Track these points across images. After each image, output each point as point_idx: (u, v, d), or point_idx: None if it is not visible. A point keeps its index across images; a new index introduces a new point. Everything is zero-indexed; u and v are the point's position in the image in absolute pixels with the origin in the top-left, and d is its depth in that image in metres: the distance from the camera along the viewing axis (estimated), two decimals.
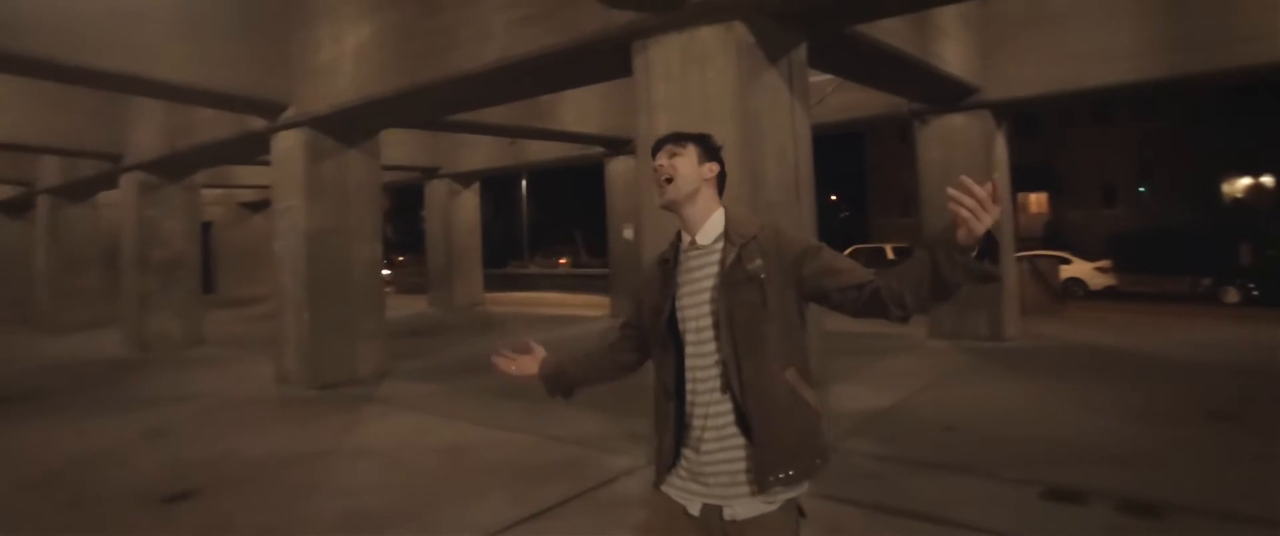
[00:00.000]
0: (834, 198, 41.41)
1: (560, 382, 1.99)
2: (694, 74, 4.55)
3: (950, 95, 8.56)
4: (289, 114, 7.36)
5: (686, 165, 1.73)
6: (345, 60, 6.79)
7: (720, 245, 1.69)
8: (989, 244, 1.44)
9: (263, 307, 17.24)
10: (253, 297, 19.85)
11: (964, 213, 1.40)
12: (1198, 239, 22.44)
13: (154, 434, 5.93)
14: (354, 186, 7.79)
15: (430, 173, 15.27)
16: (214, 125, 8.38)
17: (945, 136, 9.09)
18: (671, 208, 1.76)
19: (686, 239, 1.76)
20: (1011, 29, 8.40)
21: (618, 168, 12.50)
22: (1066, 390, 6.36)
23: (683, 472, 1.72)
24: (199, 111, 8.50)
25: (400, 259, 32.23)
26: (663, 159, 1.76)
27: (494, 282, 18.07)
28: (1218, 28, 7.29)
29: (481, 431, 5.66)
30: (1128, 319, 11.58)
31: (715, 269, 1.68)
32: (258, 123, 7.74)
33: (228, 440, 5.67)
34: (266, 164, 11.34)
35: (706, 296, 1.67)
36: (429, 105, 7.01)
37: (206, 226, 18.61)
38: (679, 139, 1.78)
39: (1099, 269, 18.72)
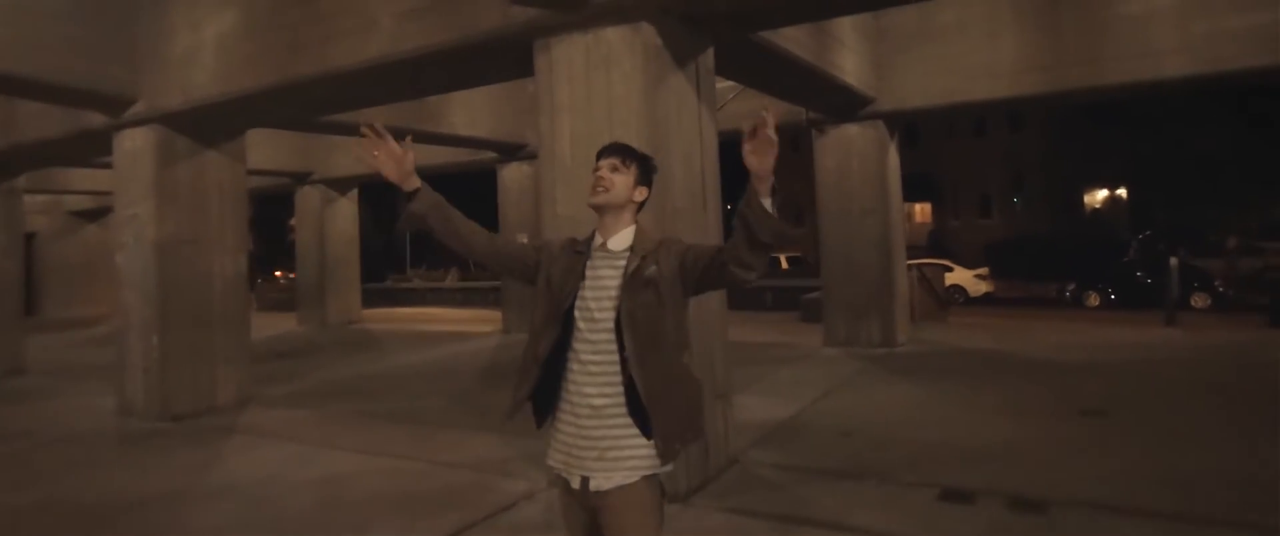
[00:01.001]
0: (729, 207, 42.42)
1: (427, 204, 2.04)
2: (599, 76, 4.50)
3: (846, 105, 8.94)
4: (136, 109, 6.75)
5: (624, 182, 2.02)
6: (205, 50, 6.30)
7: (627, 254, 1.99)
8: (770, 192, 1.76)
9: (96, 330, 15.77)
10: (83, 319, 18.12)
11: (747, 147, 1.71)
12: (1063, 247, 24.69)
13: None
14: (214, 191, 7.23)
15: (301, 178, 14.47)
16: (41, 121, 7.59)
17: (841, 146, 9.48)
18: (597, 209, 2.04)
19: (598, 240, 2.04)
20: (903, 41, 8.87)
21: (511, 174, 12.28)
22: (954, 393, 6.82)
23: (559, 448, 2.01)
24: (23, 105, 7.69)
25: (278, 274, 30.33)
26: (605, 169, 2.02)
27: (373, 298, 17.31)
28: (1089, 47, 7.97)
29: (362, 459, 5.36)
30: (1005, 324, 12.52)
31: (618, 273, 1.97)
32: (97, 119, 7.05)
33: (57, 484, 5.08)
34: (105, 167, 10.44)
35: (610, 296, 1.95)
36: (303, 104, 6.61)
37: (28, 238, 16.92)
38: (626, 155, 2.05)
39: (978, 276, 20.14)
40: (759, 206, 1.75)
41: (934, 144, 33.71)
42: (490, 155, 12.08)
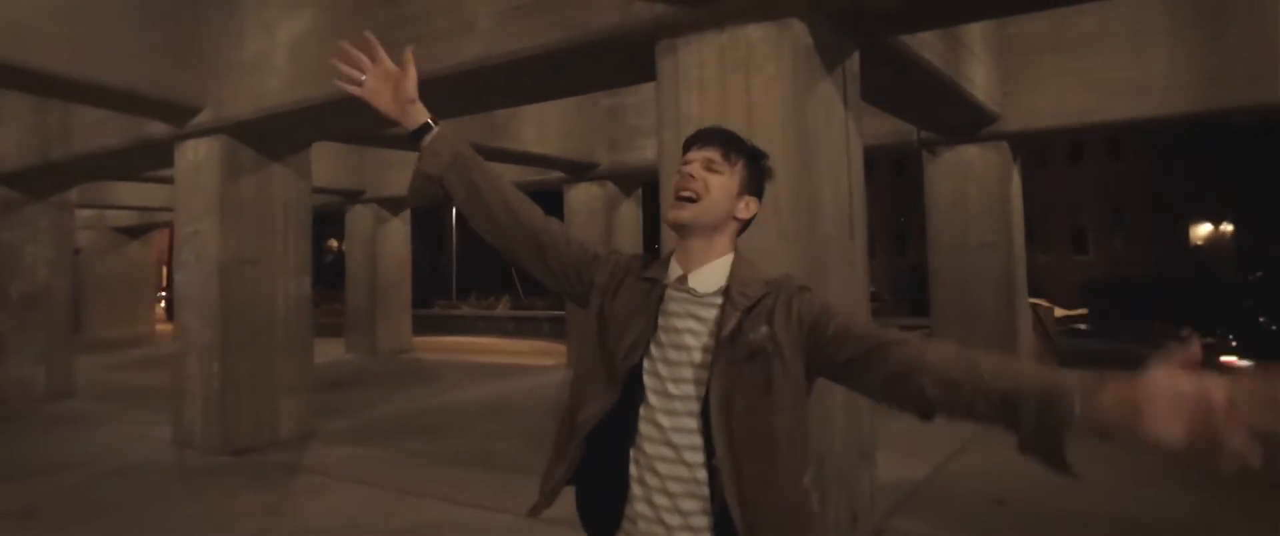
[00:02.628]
0: None
1: (447, 157, 1.57)
2: (737, 81, 4.16)
3: (968, 124, 8.47)
4: (202, 118, 6.65)
5: (723, 188, 1.50)
6: (278, 55, 6.16)
7: (718, 300, 1.47)
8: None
9: (140, 352, 15.93)
10: (128, 339, 18.39)
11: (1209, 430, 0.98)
12: (1168, 287, 23.59)
13: (20, 517, 5.07)
14: (279, 208, 7.11)
15: (352, 196, 14.47)
16: (100, 130, 7.56)
17: (958, 170, 8.99)
18: (681, 230, 1.52)
19: (676, 271, 1.52)
20: (1034, 54, 8.39)
21: (579, 195, 12.05)
22: (1104, 454, 6.18)
23: None
24: (80, 112, 7.67)
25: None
26: (697, 165, 1.51)
27: (421, 325, 17.19)
28: (1258, 62, 7.40)
29: (446, 509, 5.08)
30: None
31: (706, 331, 1.45)
32: (159, 128, 6.99)
33: (122, 521, 4.89)
34: (158, 180, 10.47)
35: (691, 361, 1.44)
36: (369, 114, 6.41)
37: (73, 254, 17.26)
38: (730, 147, 1.53)
39: (1072, 317, 19.28)
40: (1060, 437, 1.16)
41: (1024, 171, 32.76)
42: (557, 175, 11.88)
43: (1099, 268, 30.21)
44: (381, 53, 1.60)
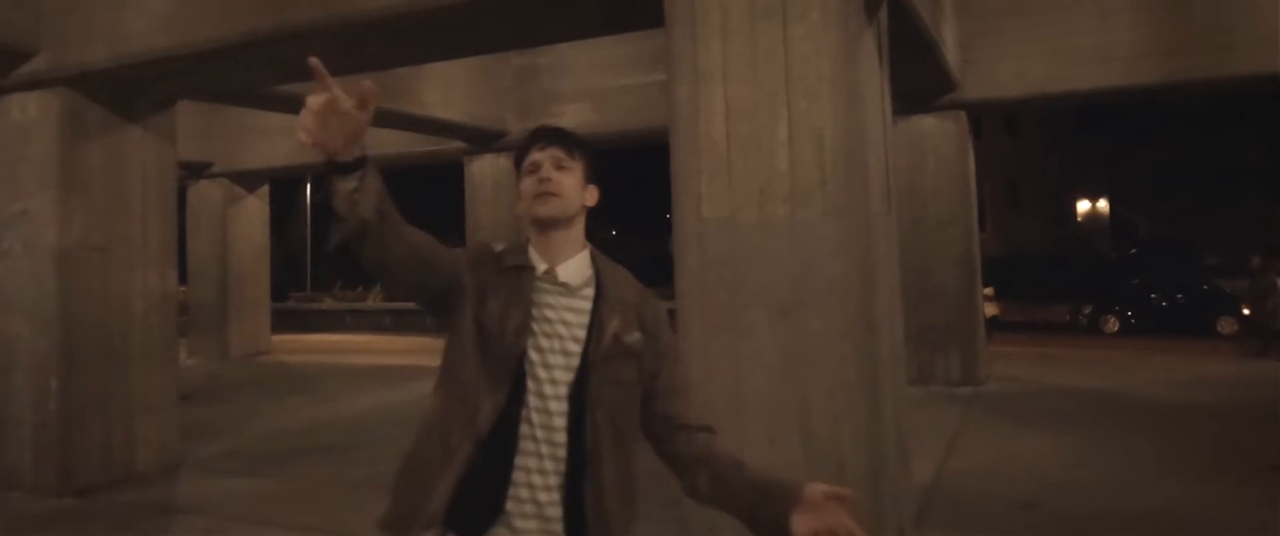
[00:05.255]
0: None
1: (376, 194, 1.49)
2: (771, 29, 3.76)
3: (928, 91, 8.47)
4: (35, 66, 5.62)
5: (573, 184, 1.70)
6: None
7: (588, 292, 1.68)
8: None
9: None
10: None
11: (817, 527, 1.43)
12: (1063, 265, 25.28)
13: None
14: (137, 182, 6.16)
15: (197, 170, 13.12)
16: None
17: (914, 141, 9.00)
18: (544, 224, 1.68)
19: (540, 265, 1.68)
20: (994, 17, 8.48)
21: (483, 168, 11.36)
22: (1100, 446, 6.56)
23: None
24: None
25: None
26: (548, 165, 1.68)
27: (277, 322, 15.94)
28: (1221, 31, 7.72)
29: None
30: (1056, 354, 12.70)
31: (578, 323, 1.65)
32: None
33: None
34: None
35: (565, 350, 1.63)
36: (280, 63, 5.62)
37: None
38: (569, 145, 1.72)
39: (984, 298, 20.23)
40: None
41: None
42: (458, 145, 11.14)
43: (995, 245, 32.03)
44: (334, 86, 1.42)
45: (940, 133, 8.96)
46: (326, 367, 12.66)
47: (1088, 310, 18.69)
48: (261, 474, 6.28)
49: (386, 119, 9.32)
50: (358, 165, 1.47)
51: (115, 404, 6.06)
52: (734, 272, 3.69)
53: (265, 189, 14.26)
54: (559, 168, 1.69)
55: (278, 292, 18.81)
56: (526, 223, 1.71)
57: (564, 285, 1.67)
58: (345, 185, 1.45)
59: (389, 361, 13.29)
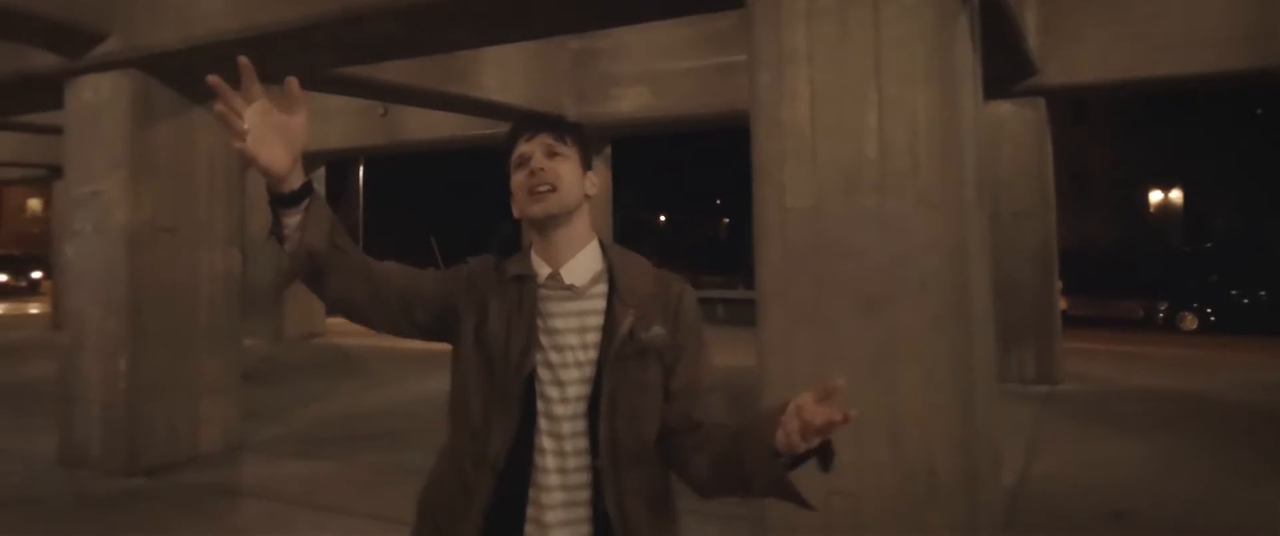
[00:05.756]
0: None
1: (325, 224, 1.44)
2: (859, 12, 3.64)
3: (1007, 75, 8.21)
4: (108, 47, 5.72)
5: (571, 173, 1.56)
6: None
7: (599, 290, 1.56)
8: (824, 454, 1.31)
9: None
10: None
11: (794, 428, 1.25)
12: (1136, 259, 24.56)
13: None
14: (203, 164, 6.29)
15: None
16: None
17: (989, 129, 8.71)
18: (543, 223, 1.56)
19: (543, 269, 1.57)
20: (1077, 0, 8.18)
21: None
22: (1192, 451, 6.31)
23: None
24: None
25: None
26: (540, 155, 1.55)
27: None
28: None
29: None
30: (1134, 352, 12.29)
31: (590, 327, 1.53)
32: (44, 59, 6.02)
33: None
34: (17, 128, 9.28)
35: (575, 361, 1.52)
36: (346, 46, 5.64)
37: None
38: (560, 129, 1.59)
39: None
40: (777, 475, 1.31)
41: None
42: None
43: (1063, 237, 31.29)
44: (257, 87, 1.37)
45: (1017, 120, 8.71)
46: (379, 350, 12.79)
47: (1164, 306, 18.17)
48: (321, 458, 6.36)
49: (444, 102, 9.37)
50: (303, 194, 1.41)
51: (181, 385, 6.19)
52: (818, 264, 3.60)
53: (321, 171, 14.46)
54: (551, 155, 1.55)
55: None
56: (526, 226, 1.59)
57: (571, 288, 1.55)
58: (290, 218, 1.40)
59: (441, 346, 13.38)
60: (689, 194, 42.30)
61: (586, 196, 1.60)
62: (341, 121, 12.36)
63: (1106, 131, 33.58)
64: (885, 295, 3.44)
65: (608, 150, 12.10)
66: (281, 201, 1.42)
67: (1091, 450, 6.43)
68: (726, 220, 44.65)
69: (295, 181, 1.42)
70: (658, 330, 1.53)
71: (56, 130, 9.68)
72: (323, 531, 4.79)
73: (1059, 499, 5.17)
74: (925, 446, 3.26)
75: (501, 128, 11.07)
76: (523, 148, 1.56)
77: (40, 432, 6.66)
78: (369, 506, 5.13)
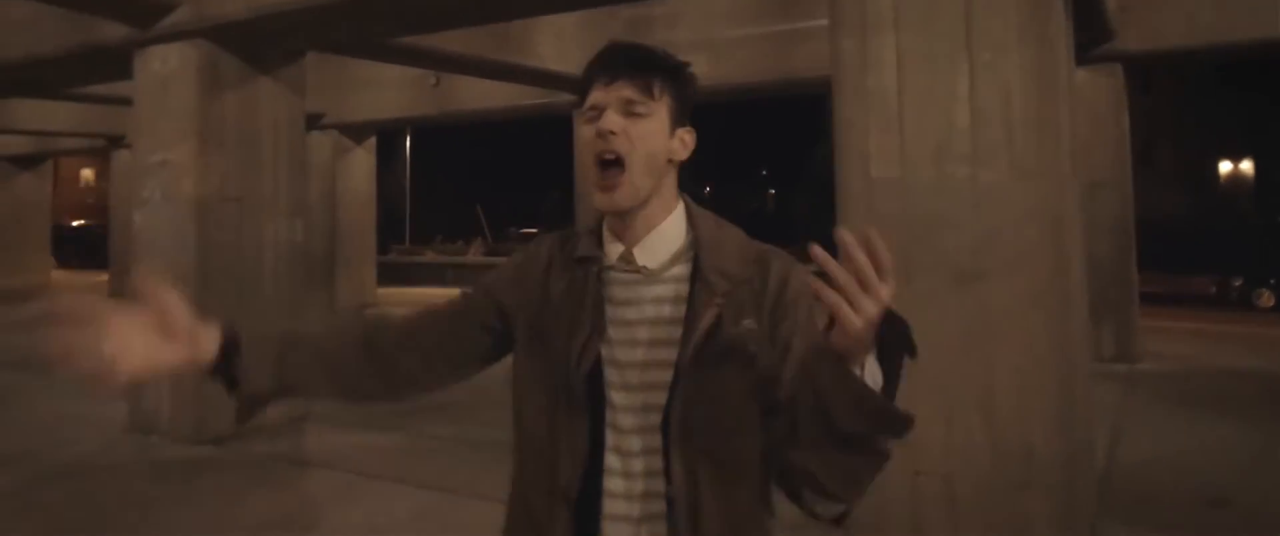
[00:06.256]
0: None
1: (265, 360, 1.30)
2: None
3: (1082, 42, 7.95)
4: (178, 18, 5.82)
5: (653, 135, 1.25)
6: None
7: (680, 272, 1.27)
8: (895, 337, 1.04)
9: (38, 306, 14.86)
10: (16, 290, 17.21)
11: (832, 298, 0.99)
12: (1208, 232, 23.85)
13: None
14: (268, 134, 6.38)
15: (309, 122, 13.51)
16: (33, 33, 6.64)
17: None
18: (617, 211, 1.28)
19: (615, 248, 1.30)
20: None
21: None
22: None
23: None
24: (10, 9, 6.82)
25: None
26: (613, 114, 1.24)
27: (379, 274, 16.45)
28: None
29: None
30: (1207, 330, 12.07)
31: (665, 318, 1.25)
32: (114, 30, 6.14)
33: None
34: (69, 98, 9.51)
35: (648, 361, 1.24)
36: (404, 13, 5.66)
37: None
38: (648, 69, 1.26)
39: None
40: (856, 389, 1.03)
41: None
42: (567, 98, 11.13)
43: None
44: (91, 307, 1.19)
45: (1094, 87, 8.46)
46: None
47: (1238, 282, 17.67)
48: (386, 429, 6.44)
49: (499, 71, 9.38)
50: (230, 352, 1.26)
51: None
52: (906, 237, 3.52)
53: (372, 141, 14.62)
54: (629, 112, 1.25)
55: (379, 245, 19.44)
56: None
57: (643, 269, 1.29)
58: (227, 375, 1.26)
59: None
60: (733, 164, 42.05)
61: (672, 161, 1.31)
62: (394, 92, 12.46)
63: (1172, 101, 32.59)
64: (979, 269, 3.36)
65: None
66: (213, 375, 1.28)
67: (1181, 433, 6.27)
68: (772, 191, 44.38)
69: (210, 349, 1.26)
70: (749, 324, 1.23)
71: (116, 101, 9.94)
72: (392, 501, 4.86)
73: (1153, 484, 5.03)
74: (1022, 426, 3.19)
75: (555, 97, 11.11)
76: (596, 95, 1.28)
77: (113, 400, 6.86)
78: (435, 478, 5.20)
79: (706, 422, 1.22)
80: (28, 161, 18.24)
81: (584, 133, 1.28)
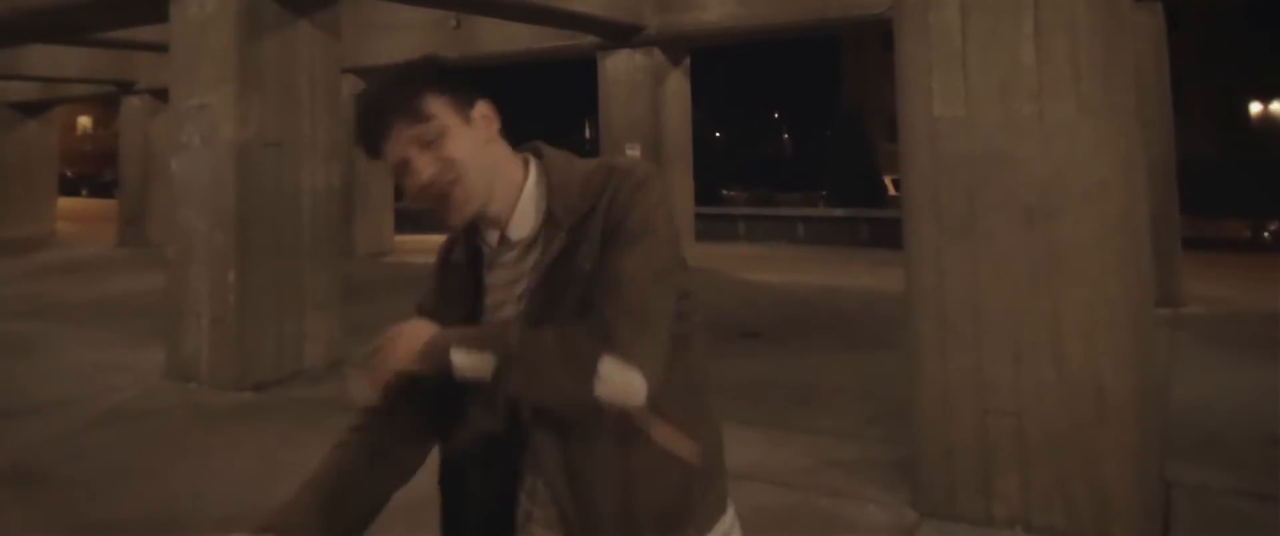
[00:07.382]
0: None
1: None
2: None
3: None
4: None
5: (461, 143, 1.27)
6: None
7: (545, 235, 1.31)
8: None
9: (49, 254, 15.04)
10: (25, 240, 17.31)
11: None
12: (1237, 173, 23.67)
13: (6, 483, 4.44)
14: (305, 78, 6.44)
15: None
16: None
17: None
18: (474, 217, 1.32)
19: (493, 235, 1.35)
20: None
21: (619, 65, 11.32)
22: None
23: None
24: None
25: None
26: (418, 163, 1.25)
27: (396, 222, 16.54)
28: None
29: None
30: (1255, 274, 12.10)
31: (529, 269, 1.31)
32: None
33: (153, 490, 4.31)
34: (76, 43, 9.48)
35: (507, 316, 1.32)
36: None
37: None
38: (414, 104, 1.25)
39: None
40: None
41: None
42: (591, 40, 11.10)
43: (1157, 149, 30.33)
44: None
45: (1134, 25, 8.39)
46: None
47: (1273, 225, 17.63)
48: None
49: (524, 13, 9.34)
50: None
51: (288, 299, 6.43)
52: (972, 175, 3.59)
53: None
54: (426, 146, 1.25)
55: (397, 191, 19.44)
56: None
57: (519, 243, 1.33)
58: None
59: None
60: (746, 108, 41.72)
61: (489, 140, 1.32)
62: (414, 34, 12.41)
63: (1201, 39, 32.15)
64: (1047, 207, 3.43)
65: (686, 62, 11.97)
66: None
67: (1234, 375, 6.33)
68: (786, 135, 44.07)
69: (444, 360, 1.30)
70: (587, 249, 1.25)
71: (128, 45, 9.96)
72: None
73: (1212, 425, 5.08)
74: (1092, 365, 3.28)
75: (578, 39, 11.07)
76: (388, 156, 1.28)
77: (145, 347, 6.99)
78: None
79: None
80: (34, 108, 18.23)
81: (406, 185, 1.30)
